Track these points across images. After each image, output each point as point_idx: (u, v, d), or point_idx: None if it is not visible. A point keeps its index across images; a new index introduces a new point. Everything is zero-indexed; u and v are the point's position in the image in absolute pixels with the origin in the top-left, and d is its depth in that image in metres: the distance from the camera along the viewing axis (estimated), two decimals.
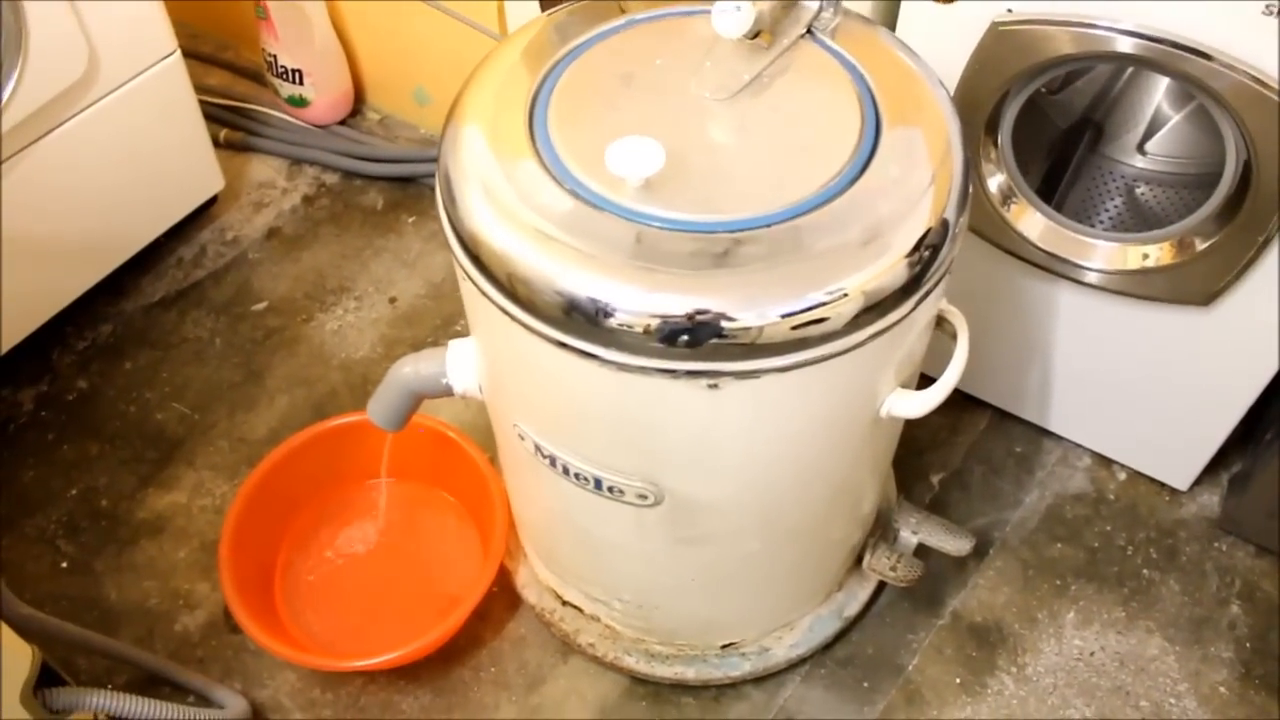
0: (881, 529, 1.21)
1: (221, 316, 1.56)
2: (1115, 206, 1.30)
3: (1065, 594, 1.29)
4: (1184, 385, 1.25)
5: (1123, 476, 1.39)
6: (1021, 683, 1.22)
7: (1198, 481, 1.36)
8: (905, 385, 0.94)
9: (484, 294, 0.86)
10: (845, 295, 0.79)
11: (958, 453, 1.41)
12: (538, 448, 0.95)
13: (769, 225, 0.80)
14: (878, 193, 0.83)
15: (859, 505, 1.11)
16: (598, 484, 0.93)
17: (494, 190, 0.84)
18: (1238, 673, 1.24)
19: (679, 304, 0.78)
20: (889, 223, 0.82)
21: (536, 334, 0.84)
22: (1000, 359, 1.36)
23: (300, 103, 1.75)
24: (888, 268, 0.81)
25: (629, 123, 0.86)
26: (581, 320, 0.80)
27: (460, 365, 1.02)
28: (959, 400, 1.44)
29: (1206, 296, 1.12)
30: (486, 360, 0.98)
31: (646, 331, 0.78)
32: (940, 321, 0.99)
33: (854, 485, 1.05)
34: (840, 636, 1.23)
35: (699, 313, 0.77)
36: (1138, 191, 1.31)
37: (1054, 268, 1.18)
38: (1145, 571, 1.31)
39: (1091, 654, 1.25)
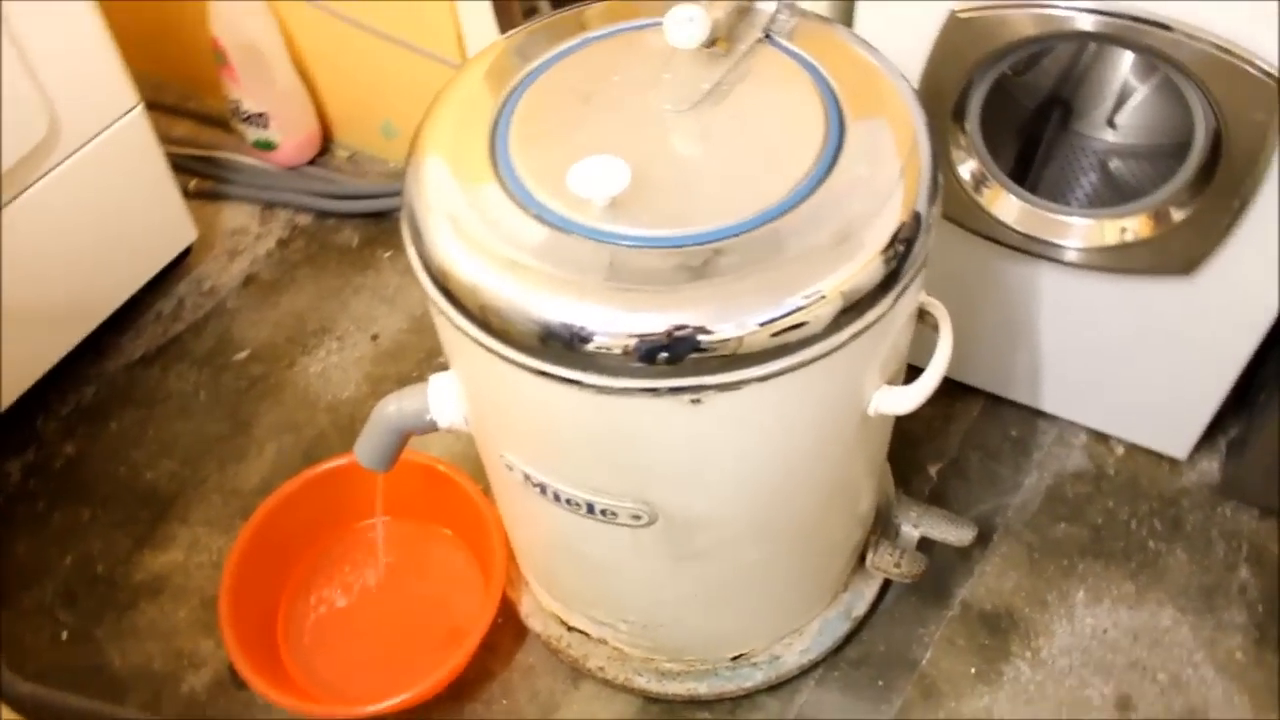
0: (882, 526, 1.20)
1: (204, 369, 1.55)
2: (1090, 182, 1.30)
3: (1073, 573, 1.28)
4: (1174, 354, 1.24)
5: (1121, 450, 1.38)
6: (1037, 667, 1.21)
7: (1196, 449, 1.35)
8: (892, 381, 0.94)
9: (458, 328, 0.85)
10: (823, 298, 0.78)
11: (953, 442, 1.40)
12: (527, 477, 0.94)
13: (739, 234, 0.79)
14: (846, 191, 0.82)
15: (857, 505, 1.10)
16: (590, 508, 0.92)
17: (460, 221, 0.83)
18: (1252, 637, 1.23)
19: (655, 322, 0.77)
20: (860, 220, 0.81)
21: (514, 364, 0.83)
22: (988, 344, 1.36)
23: (268, 146, 1.74)
24: (863, 266, 0.80)
25: (591, 142, 0.85)
26: (558, 346, 0.79)
27: (443, 400, 1.01)
28: (950, 389, 1.44)
29: (1188, 265, 1.12)
30: (468, 393, 0.97)
31: (625, 352, 0.78)
32: (922, 314, 0.98)
33: (849, 485, 1.05)
34: (850, 637, 1.22)
35: (676, 328, 0.76)
36: (1111, 166, 1.31)
37: (1033, 249, 1.18)
38: (1151, 544, 1.30)
39: (1105, 631, 1.24)
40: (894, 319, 0.86)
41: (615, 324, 0.77)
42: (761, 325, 0.77)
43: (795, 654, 1.18)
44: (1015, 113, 1.30)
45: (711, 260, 0.78)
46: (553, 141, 0.87)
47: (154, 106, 1.85)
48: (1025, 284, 1.24)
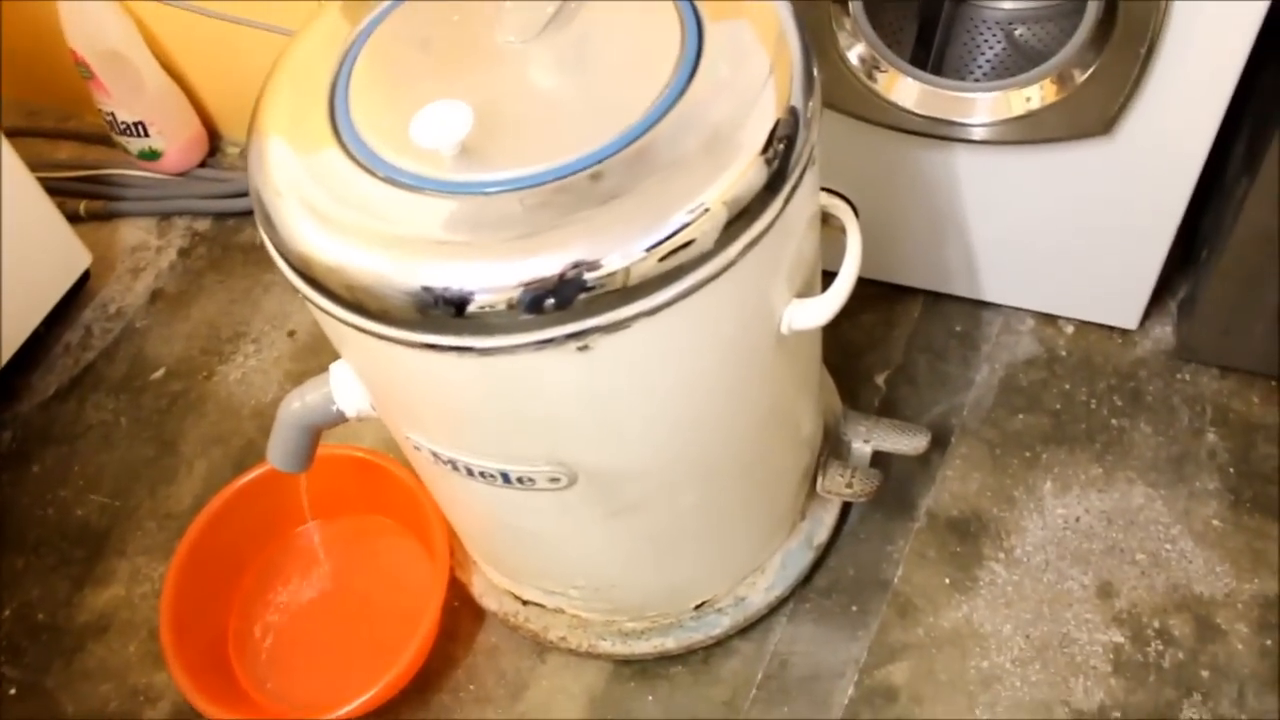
0: (831, 446, 1.15)
1: (121, 394, 1.48)
2: (996, 54, 1.23)
3: (1037, 465, 1.24)
4: (1108, 221, 1.19)
5: (1070, 330, 1.33)
6: (1012, 566, 1.17)
7: (1146, 316, 1.30)
8: (804, 294, 0.88)
9: (330, 314, 0.79)
10: (707, 210, 0.72)
11: (897, 347, 1.34)
12: (435, 455, 0.89)
13: (603, 160, 0.73)
14: (711, 96, 0.76)
15: (797, 430, 1.05)
16: (505, 478, 0.87)
17: (309, 199, 0.77)
18: (1227, 501, 1.19)
19: (535, 267, 0.70)
20: (731, 124, 0.75)
21: (396, 341, 0.77)
22: (916, 240, 1.30)
23: (152, 155, 1.66)
24: (743, 170, 0.73)
25: (434, 90, 0.78)
26: (439, 314, 0.73)
27: (346, 388, 0.95)
28: (888, 293, 1.38)
29: (1105, 123, 1.06)
30: (362, 377, 0.91)
31: (510, 306, 0.71)
32: (826, 218, 0.93)
33: (783, 411, 0.99)
34: (816, 566, 1.17)
35: (560, 270, 0.70)
36: (1016, 34, 1.24)
37: (939, 132, 1.11)
38: (1114, 421, 1.26)
39: (1077, 519, 1.19)
40: (789, 225, 0.80)
41: (493, 278, 0.71)
42: (648, 250, 0.71)
43: (760, 593, 1.13)
44: None
45: (580, 192, 0.72)
46: (394, 96, 0.80)
47: (33, 132, 1.79)
48: (941, 171, 1.18)
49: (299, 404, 0.98)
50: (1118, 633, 1.11)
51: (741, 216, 0.74)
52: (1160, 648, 1.10)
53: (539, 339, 0.73)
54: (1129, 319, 1.30)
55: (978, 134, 1.10)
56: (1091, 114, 1.05)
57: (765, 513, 1.10)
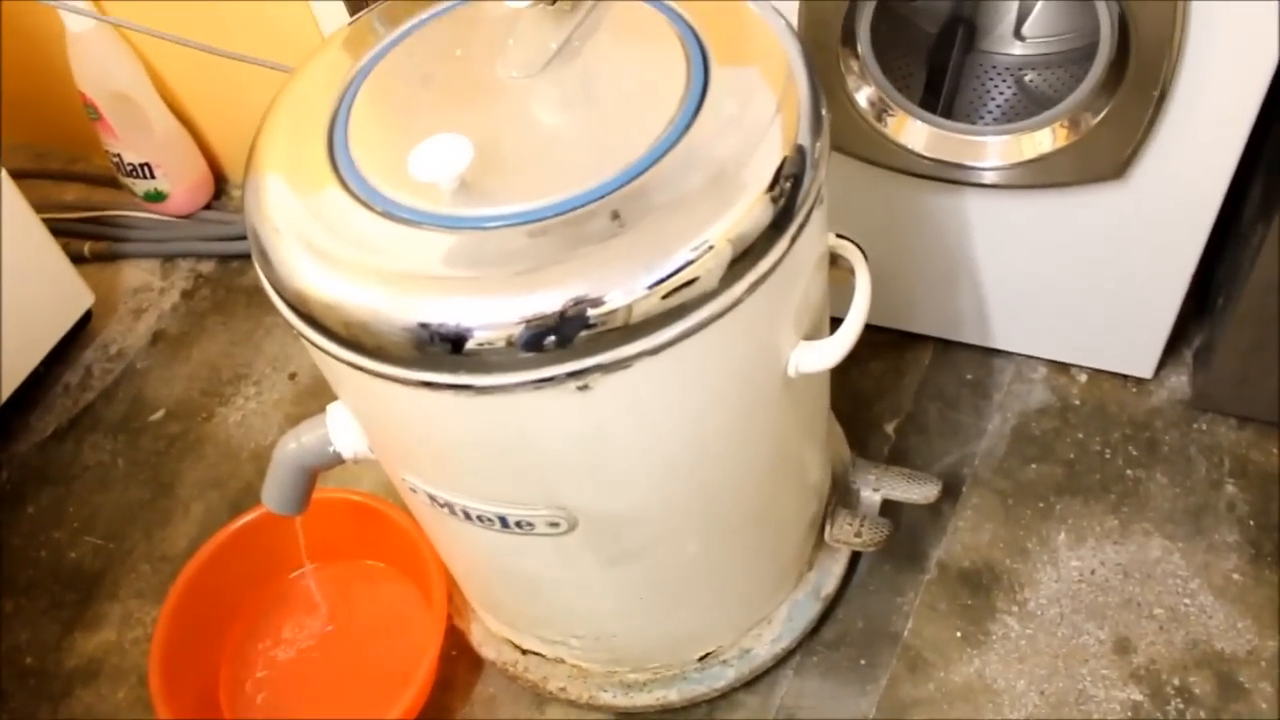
0: (839, 494, 1.12)
1: (119, 435, 1.46)
2: (1006, 100, 1.22)
3: (1051, 515, 1.21)
4: (1122, 267, 1.17)
5: (1083, 378, 1.31)
6: (1026, 620, 1.14)
7: (1161, 365, 1.28)
8: (811, 337, 0.86)
9: (327, 352, 0.77)
10: (711, 248, 0.70)
11: (907, 395, 1.32)
12: (432, 498, 0.86)
13: (606, 195, 0.71)
14: (717, 132, 0.74)
15: (804, 476, 1.02)
16: (503, 522, 0.84)
17: (307, 237, 0.75)
18: (1247, 555, 1.15)
19: (535, 303, 0.68)
20: (737, 160, 0.73)
21: (392, 380, 0.75)
22: (925, 286, 1.28)
23: (158, 197, 1.65)
24: (749, 208, 0.72)
25: (435, 124, 0.77)
26: (436, 351, 0.71)
27: (343, 429, 0.93)
28: (898, 340, 1.36)
29: (1117, 168, 1.04)
30: (358, 417, 0.89)
31: (509, 343, 0.69)
32: (835, 260, 0.91)
33: (789, 456, 0.97)
34: (824, 618, 1.14)
35: (560, 307, 0.68)
36: (1026, 79, 1.23)
37: (949, 175, 1.10)
38: (1129, 472, 1.23)
39: (1092, 572, 1.16)
40: (796, 266, 0.78)
41: (491, 314, 0.69)
42: (651, 288, 0.69)
43: (766, 645, 1.10)
44: (918, 40, 1.22)
45: (582, 228, 0.70)
46: (394, 131, 0.79)
47: (40, 175, 1.79)
48: (951, 215, 1.17)
49: (295, 445, 0.96)
50: (1136, 690, 1.08)
51: (746, 255, 0.72)
52: (1180, 706, 1.06)
53: (538, 378, 0.71)
54: (1144, 368, 1.28)
55: (988, 178, 1.08)
56: (1104, 158, 1.04)
57: (771, 562, 1.07)
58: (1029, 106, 1.20)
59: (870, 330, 1.36)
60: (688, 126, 0.75)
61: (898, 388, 1.33)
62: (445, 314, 0.70)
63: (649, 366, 0.72)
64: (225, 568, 1.18)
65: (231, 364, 1.51)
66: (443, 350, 0.71)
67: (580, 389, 0.72)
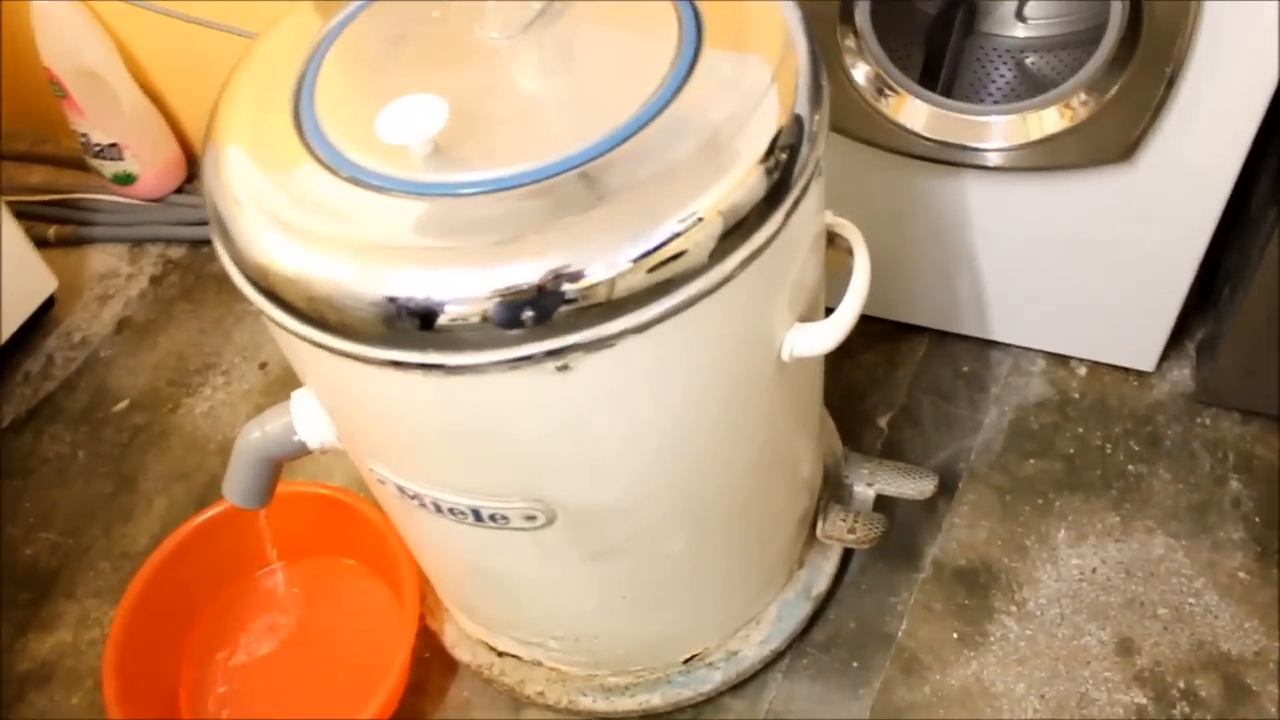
0: (832, 489, 1.07)
1: (81, 427, 1.40)
2: (1006, 83, 1.18)
3: (1050, 512, 1.16)
4: (1126, 255, 1.12)
5: (1083, 371, 1.26)
6: (1025, 621, 1.09)
7: (1164, 358, 1.23)
8: (807, 319, 0.81)
9: (291, 331, 0.72)
10: (700, 220, 0.65)
11: (901, 387, 1.27)
12: (401, 490, 0.81)
13: (590, 161, 0.66)
14: (709, 98, 0.69)
15: (795, 469, 0.97)
16: (477, 515, 0.79)
17: (268, 207, 0.70)
18: (1253, 552, 1.11)
19: (511, 275, 0.63)
20: (730, 127, 0.68)
21: (359, 359, 0.69)
22: (921, 275, 1.24)
23: (127, 179, 1.59)
24: (741, 178, 0.67)
25: (408, 86, 0.71)
26: (406, 326, 0.66)
27: (309, 416, 0.88)
28: (891, 331, 1.31)
29: (1125, 149, 1.00)
30: (323, 403, 0.84)
31: (483, 319, 0.64)
32: (833, 239, 0.86)
33: (781, 448, 0.92)
34: (815, 618, 1.09)
35: (537, 280, 0.63)
36: (1028, 62, 1.19)
37: (950, 157, 1.05)
38: (1131, 467, 1.18)
39: (1094, 570, 1.12)
40: (791, 242, 0.73)
41: (464, 287, 0.64)
42: (635, 261, 0.64)
43: (754, 646, 1.05)
44: (917, 21, 1.18)
45: (563, 196, 0.65)
46: (365, 94, 0.74)
47: (7, 156, 1.72)
48: (951, 200, 1.12)
49: (258, 433, 0.91)
50: (1140, 693, 1.03)
51: (738, 228, 0.68)
52: (1186, 710, 1.02)
53: (514, 356, 0.66)
54: (1146, 360, 1.23)
55: (992, 160, 1.04)
56: (1112, 139, 0.99)
57: (760, 559, 1.02)
58: (1030, 91, 1.15)
59: (863, 321, 1.29)
60: (677, 91, 0.70)
61: (891, 380, 1.28)
62: (414, 286, 0.65)
63: (633, 346, 0.67)
64: (187, 565, 1.13)
65: (199, 353, 1.45)
66: (412, 326, 0.65)
67: (559, 369, 0.67)
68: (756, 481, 0.90)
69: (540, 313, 0.64)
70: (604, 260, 0.64)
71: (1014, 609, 1.10)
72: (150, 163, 1.58)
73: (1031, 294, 1.22)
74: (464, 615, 1.07)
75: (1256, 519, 1.13)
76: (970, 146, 1.04)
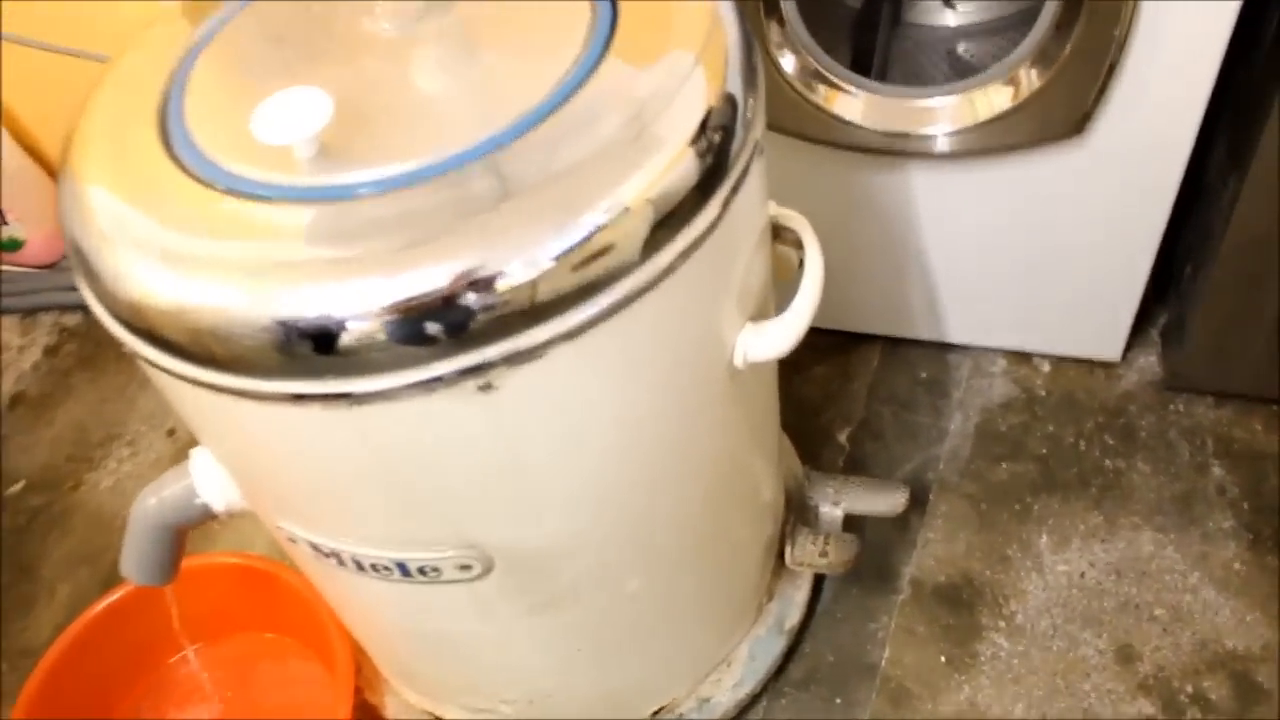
0: (796, 512, 0.99)
1: None
2: (941, 73, 1.12)
3: (1030, 517, 1.09)
4: (1082, 241, 1.06)
5: (1047, 368, 1.20)
6: (1015, 636, 1.01)
7: (1129, 347, 1.18)
8: (759, 319, 0.73)
9: (174, 374, 0.62)
10: (627, 209, 0.57)
11: (858, 400, 1.20)
12: (315, 548, 0.71)
13: (499, 149, 0.58)
14: (629, 77, 0.62)
15: (756, 493, 0.89)
16: (404, 569, 0.69)
17: (136, 234, 0.60)
18: (1246, 541, 1.05)
19: (417, 282, 0.54)
20: (655, 108, 0.60)
21: (253, 398, 0.60)
22: (871, 279, 1.17)
23: (13, 246, 1.48)
24: (670, 163, 0.59)
25: (290, 85, 0.63)
26: (301, 352, 0.56)
27: (210, 475, 0.77)
28: (843, 342, 1.24)
29: (1076, 122, 0.94)
30: (219, 457, 0.74)
31: (390, 335, 0.55)
32: (780, 234, 0.78)
33: (739, 469, 0.83)
34: (790, 654, 1.00)
35: (449, 285, 0.54)
36: (960, 50, 1.13)
37: (895, 146, 0.99)
38: (1107, 463, 1.12)
39: (1082, 575, 1.04)
40: (733, 234, 0.65)
41: (362, 300, 0.55)
42: (558, 258, 0.56)
43: (727, 691, 0.95)
44: (842, 15, 1.12)
45: (471, 190, 0.57)
46: (240, 99, 0.65)
47: None
48: (898, 194, 1.06)
49: (155, 500, 0.80)
50: (1147, 703, 0.96)
51: (672, 218, 0.59)
52: (1198, 716, 0.95)
53: (427, 378, 0.57)
54: (1111, 351, 1.17)
55: (939, 146, 0.97)
56: (1062, 114, 0.93)
57: (726, 596, 0.93)
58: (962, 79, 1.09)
59: (812, 333, 1.21)
60: (591, 72, 0.62)
61: (846, 393, 1.21)
62: (307, 305, 0.55)
63: (564, 357, 0.58)
64: (93, 657, 1.01)
65: (102, 424, 1.34)
66: (308, 350, 0.56)
67: (482, 389, 0.58)
68: (714, 508, 0.82)
69: (453, 324, 0.55)
70: (522, 259, 0.55)
71: (1003, 624, 1.02)
72: (38, 225, 1.47)
73: (987, 291, 1.15)
74: (405, 685, 0.96)
75: (1244, 505, 1.07)
76: (915, 134, 0.97)
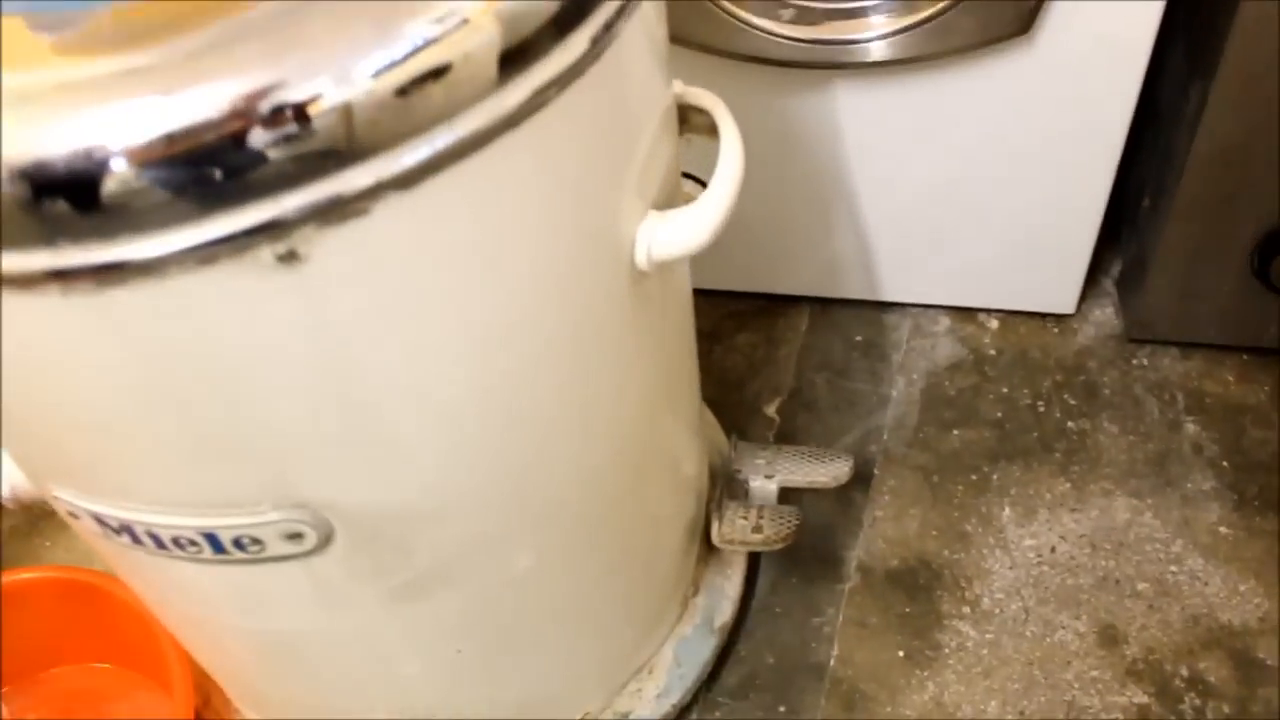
0: (724, 488, 0.84)
1: None
2: None
3: (988, 488, 0.96)
4: (1030, 173, 0.95)
5: (995, 324, 1.08)
6: (983, 622, 0.87)
7: (1083, 298, 1.06)
8: (665, 208, 0.58)
9: None
10: (465, 21, 0.42)
11: (786, 369, 1.06)
12: (100, 520, 0.54)
13: None
14: None
15: (674, 459, 0.74)
16: (215, 543, 0.53)
17: None
18: (1230, 502, 0.93)
19: (185, 106, 0.39)
20: None
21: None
22: (795, 231, 1.04)
23: None
24: None
25: None
26: (59, 211, 0.40)
27: None
28: (765, 306, 1.10)
29: (1024, 17, 0.82)
30: None
31: (157, 178, 0.39)
32: (688, 117, 0.64)
33: (652, 420, 0.68)
34: (723, 657, 0.85)
35: (231, 106, 0.39)
36: None
37: (820, 57, 0.86)
38: (1071, 424, 0.99)
39: (1053, 550, 0.91)
40: (612, 85, 0.51)
41: (120, 130, 0.39)
42: (377, 75, 0.40)
43: (650, 703, 0.80)
44: None
45: None
46: None
47: None
48: (824, 117, 0.93)
49: None
50: (1138, 690, 0.82)
51: (529, 47, 0.45)
52: (1197, 702, 0.81)
53: (206, 239, 0.41)
54: (1065, 302, 1.06)
55: (873, 53, 0.84)
56: (1008, 8, 0.81)
57: (643, 584, 0.77)
58: None
59: (731, 298, 1.10)
60: None
61: (773, 361, 1.07)
62: (49, 141, 0.39)
63: (397, 216, 0.43)
64: None
65: None
66: (62, 205, 0.40)
67: (283, 260, 0.42)
68: (624, 467, 0.66)
69: (235, 162, 0.39)
70: (330, 73, 0.40)
71: (967, 610, 0.88)
72: None
73: (925, 239, 1.03)
74: (255, 710, 0.78)
75: (1224, 463, 0.95)
76: (843, 40, 0.84)
